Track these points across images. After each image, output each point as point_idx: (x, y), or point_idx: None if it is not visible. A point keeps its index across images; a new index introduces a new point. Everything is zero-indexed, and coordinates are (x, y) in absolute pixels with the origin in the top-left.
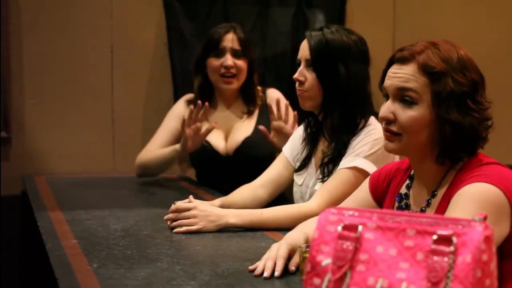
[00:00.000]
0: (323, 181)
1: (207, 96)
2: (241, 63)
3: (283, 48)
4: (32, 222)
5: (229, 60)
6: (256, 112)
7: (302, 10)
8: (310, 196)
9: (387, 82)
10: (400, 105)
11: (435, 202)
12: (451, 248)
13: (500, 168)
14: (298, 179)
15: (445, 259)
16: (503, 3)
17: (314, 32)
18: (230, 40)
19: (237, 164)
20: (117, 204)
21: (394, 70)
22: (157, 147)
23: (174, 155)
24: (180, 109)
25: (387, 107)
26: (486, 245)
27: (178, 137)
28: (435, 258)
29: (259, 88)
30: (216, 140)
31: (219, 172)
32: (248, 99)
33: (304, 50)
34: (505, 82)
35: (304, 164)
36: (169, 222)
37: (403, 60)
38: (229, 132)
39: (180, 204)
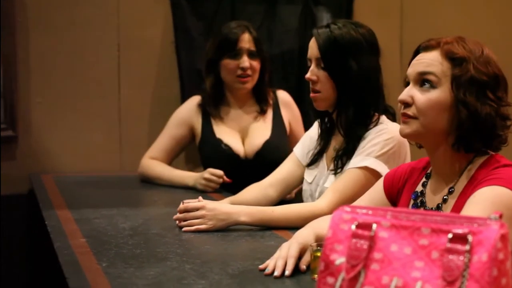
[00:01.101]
0: (335, 174)
1: (218, 96)
2: (256, 63)
3: (290, 46)
4: (40, 221)
5: (246, 62)
6: (270, 114)
7: (309, 8)
8: (320, 194)
9: (410, 70)
10: (420, 89)
11: (452, 199)
12: (467, 247)
13: None
14: (308, 176)
15: (461, 257)
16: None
17: (321, 29)
18: (246, 41)
19: (257, 168)
20: (125, 202)
21: (418, 57)
22: (160, 153)
23: (180, 184)
24: (188, 113)
25: (406, 91)
26: (502, 244)
27: (183, 144)
28: (451, 257)
29: (269, 89)
30: (234, 142)
31: (236, 175)
32: (260, 98)
33: (313, 48)
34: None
35: (315, 159)
36: (177, 222)
37: (428, 48)
38: (244, 133)
39: (188, 203)
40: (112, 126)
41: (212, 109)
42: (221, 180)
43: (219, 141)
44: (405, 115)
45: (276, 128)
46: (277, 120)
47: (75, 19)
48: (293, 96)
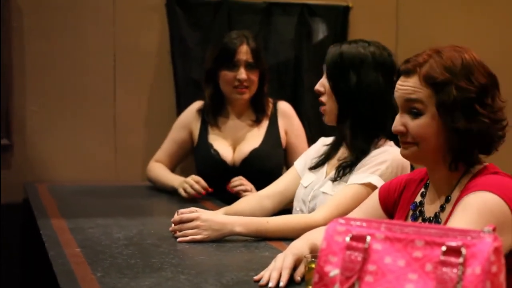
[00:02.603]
0: (334, 181)
1: (217, 105)
2: (254, 75)
3: (286, 57)
4: (34, 230)
5: (243, 73)
6: (266, 124)
7: (305, 19)
8: (312, 197)
9: (396, 95)
10: (409, 116)
11: (449, 207)
12: (460, 260)
13: (504, 178)
14: (305, 181)
15: (454, 270)
16: (507, 9)
17: (337, 44)
18: (244, 52)
19: (243, 175)
20: (120, 212)
21: (401, 82)
22: (164, 157)
23: (170, 187)
24: (189, 118)
25: (397, 120)
26: (496, 257)
27: (185, 148)
28: (444, 269)
29: (270, 99)
30: (224, 149)
31: (223, 181)
32: (258, 108)
33: (326, 61)
34: (509, 89)
35: (318, 164)
36: (173, 233)
37: (407, 72)
38: (237, 141)
39: (183, 215)
40: (107, 135)
41: (210, 117)
42: (202, 190)
43: (210, 146)
44: (403, 141)
45: (268, 138)
46: (272, 130)
47: (71, 27)
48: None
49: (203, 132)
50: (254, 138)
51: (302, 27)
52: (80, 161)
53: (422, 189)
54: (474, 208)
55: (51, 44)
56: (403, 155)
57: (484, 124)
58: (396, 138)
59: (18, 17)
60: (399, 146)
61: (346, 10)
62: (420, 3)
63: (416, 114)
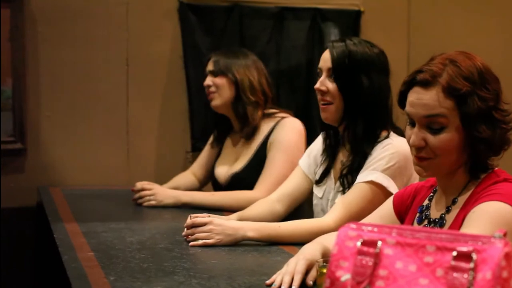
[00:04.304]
0: (343, 193)
1: (222, 121)
2: (218, 80)
3: (298, 61)
4: (48, 233)
5: (206, 80)
6: (258, 141)
7: (317, 24)
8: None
9: (411, 110)
10: (429, 131)
11: (455, 209)
12: (471, 265)
13: None
14: (318, 191)
15: (465, 275)
16: None
17: (337, 43)
18: (210, 63)
19: None
20: (133, 216)
21: (417, 95)
22: (199, 163)
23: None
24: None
25: (416, 135)
26: (506, 262)
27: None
28: (455, 274)
29: (279, 115)
30: (220, 167)
31: None
32: (243, 118)
33: (325, 60)
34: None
35: (323, 177)
36: (185, 237)
37: (425, 84)
38: (234, 160)
39: (195, 219)
40: (120, 140)
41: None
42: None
43: (215, 161)
44: (419, 157)
45: (255, 159)
46: (261, 149)
47: (85, 34)
48: (300, 111)
49: (222, 145)
50: (242, 158)
51: (314, 31)
52: (93, 165)
53: (431, 194)
54: (488, 217)
55: (64, 50)
56: (422, 175)
57: (503, 132)
58: (395, 126)
59: (32, 24)
60: (400, 135)
61: (358, 14)
62: (431, 7)
63: (438, 129)
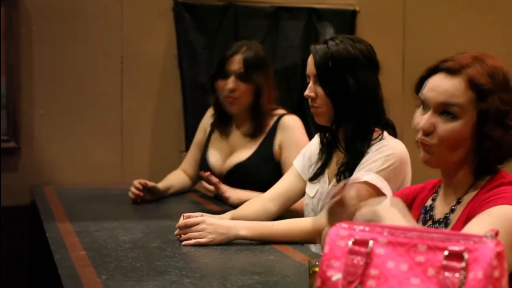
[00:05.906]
0: None
1: (221, 114)
2: (244, 86)
3: (293, 61)
4: (41, 232)
5: (230, 83)
6: (262, 137)
7: (312, 24)
8: (322, 209)
9: (430, 94)
10: (442, 118)
11: (460, 208)
12: (463, 264)
13: None
14: (310, 191)
15: (456, 275)
16: None
17: (319, 45)
18: (236, 62)
19: (230, 186)
20: (126, 215)
21: (440, 80)
22: (188, 161)
23: None
24: (205, 120)
25: (427, 119)
26: (498, 261)
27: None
28: (446, 274)
29: (278, 112)
30: (216, 157)
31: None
32: (256, 124)
33: (310, 65)
34: None
35: (318, 174)
36: (178, 236)
37: (451, 71)
38: (231, 152)
39: (188, 219)
40: (114, 138)
41: (215, 124)
42: (137, 192)
43: (206, 152)
44: (423, 141)
45: (259, 152)
46: (266, 144)
47: (79, 32)
48: (295, 111)
49: (208, 137)
50: (246, 150)
51: (309, 31)
52: (87, 164)
53: (434, 194)
54: (496, 221)
55: (59, 49)
56: (426, 162)
57: None
58: (388, 126)
59: (26, 23)
60: (393, 136)
61: (353, 14)
62: (427, 7)
63: (450, 117)
